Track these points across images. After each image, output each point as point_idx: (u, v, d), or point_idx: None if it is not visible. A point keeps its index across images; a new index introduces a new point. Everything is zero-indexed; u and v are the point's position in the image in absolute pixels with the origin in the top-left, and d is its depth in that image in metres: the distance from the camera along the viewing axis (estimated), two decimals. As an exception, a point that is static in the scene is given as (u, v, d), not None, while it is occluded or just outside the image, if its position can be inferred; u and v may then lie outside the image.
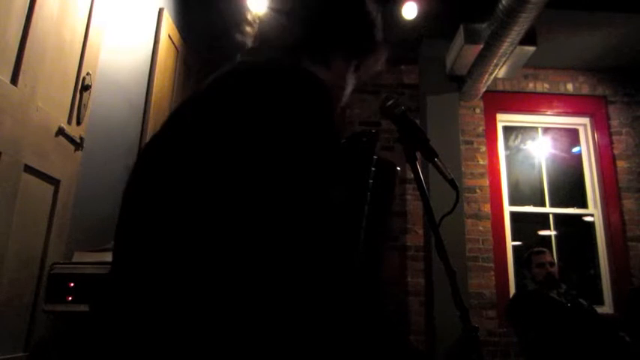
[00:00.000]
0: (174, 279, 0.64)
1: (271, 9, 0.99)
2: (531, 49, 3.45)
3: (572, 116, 4.38)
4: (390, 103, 1.09)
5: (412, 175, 1.08)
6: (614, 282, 3.90)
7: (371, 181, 0.80)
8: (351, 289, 0.72)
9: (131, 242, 0.73)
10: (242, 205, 0.65)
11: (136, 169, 0.80)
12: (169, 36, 3.02)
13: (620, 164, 4.14)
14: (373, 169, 0.81)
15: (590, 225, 4.13)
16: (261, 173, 0.66)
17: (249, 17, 0.99)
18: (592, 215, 4.15)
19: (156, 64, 2.79)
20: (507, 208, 4.11)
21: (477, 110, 4.24)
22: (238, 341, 0.62)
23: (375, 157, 0.83)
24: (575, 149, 4.39)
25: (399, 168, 0.96)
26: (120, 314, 0.68)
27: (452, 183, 1.04)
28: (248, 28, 0.98)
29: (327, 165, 0.70)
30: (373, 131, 0.87)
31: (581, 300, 3.01)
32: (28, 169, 1.63)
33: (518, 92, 4.33)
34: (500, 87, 4.30)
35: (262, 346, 0.62)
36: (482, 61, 3.49)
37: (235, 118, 0.70)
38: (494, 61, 3.43)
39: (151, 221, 0.70)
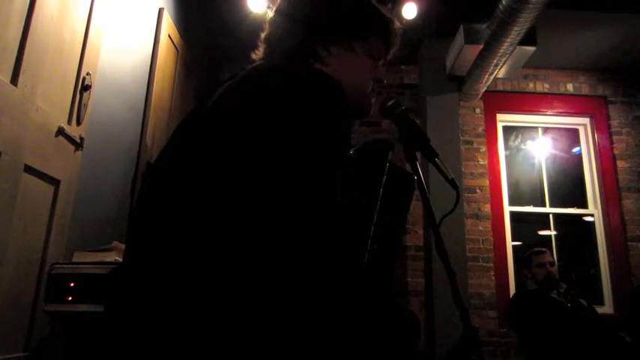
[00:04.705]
0: (185, 278, 0.65)
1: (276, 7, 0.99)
2: (531, 49, 3.45)
3: (572, 116, 4.38)
4: (390, 103, 1.09)
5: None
6: (614, 282, 3.90)
7: (382, 190, 0.79)
8: (351, 294, 0.72)
9: (144, 239, 0.74)
10: (245, 206, 0.66)
11: (149, 177, 0.80)
12: (169, 36, 3.02)
13: (621, 164, 4.14)
14: (385, 177, 0.81)
15: (590, 225, 4.13)
16: (265, 177, 0.67)
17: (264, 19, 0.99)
18: (592, 215, 4.14)
19: (156, 64, 2.79)
20: (507, 208, 4.11)
21: (477, 110, 4.24)
22: (246, 338, 0.62)
23: (390, 166, 0.83)
24: (575, 149, 4.39)
25: (416, 177, 0.96)
26: (129, 311, 0.69)
27: (452, 183, 1.04)
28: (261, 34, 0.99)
29: (333, 172, 0.70)
30: (386, 140, 0.86)
31: (581, 300, 3.01)
32: (28, 169, 1.63)
33: (518, 92, 4.33)
34: (500, 87, 4.30)
35: (271, 346, 0.63)
36: (482, 61, 3.49)
37: (243, 123, 0.71)
38: (494, 61, 3.43)
39: (167, 218, 0.71)
